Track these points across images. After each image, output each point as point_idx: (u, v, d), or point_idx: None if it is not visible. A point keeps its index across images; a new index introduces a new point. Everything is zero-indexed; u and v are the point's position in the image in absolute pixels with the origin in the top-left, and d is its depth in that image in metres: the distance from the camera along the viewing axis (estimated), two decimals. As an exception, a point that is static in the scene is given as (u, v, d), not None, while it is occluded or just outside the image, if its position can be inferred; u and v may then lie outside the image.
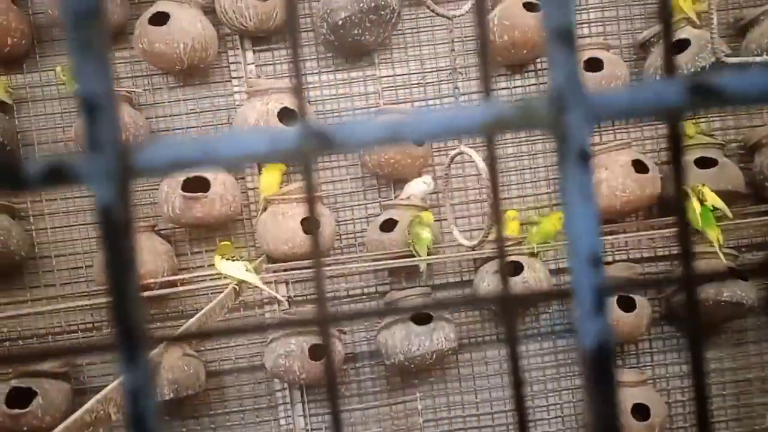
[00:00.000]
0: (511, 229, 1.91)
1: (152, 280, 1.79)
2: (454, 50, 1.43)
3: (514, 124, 0.14)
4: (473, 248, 1.62)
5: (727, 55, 1.78)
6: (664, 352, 2.03)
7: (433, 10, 1.30)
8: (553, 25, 0.13)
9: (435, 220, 1.92)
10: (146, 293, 1.75)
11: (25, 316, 1.83)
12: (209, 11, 1.92)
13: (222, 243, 1.65)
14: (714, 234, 1.69)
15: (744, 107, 1.99)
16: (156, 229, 1.92)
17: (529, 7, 1.86)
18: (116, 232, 0.13)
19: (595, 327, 0.15)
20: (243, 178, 1.99)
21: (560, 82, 0.14)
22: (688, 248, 0.17)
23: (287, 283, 1.99)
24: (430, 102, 2.02)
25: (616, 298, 1.84)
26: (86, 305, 1.83)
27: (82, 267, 1.94)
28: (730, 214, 1.68)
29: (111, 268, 0.13)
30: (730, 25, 2.00)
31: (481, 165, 1.31)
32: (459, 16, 1.42)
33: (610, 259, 2.02)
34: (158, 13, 1.85)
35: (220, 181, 1.85)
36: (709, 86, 0.14)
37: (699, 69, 1.82)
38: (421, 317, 1.87)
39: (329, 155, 2.01)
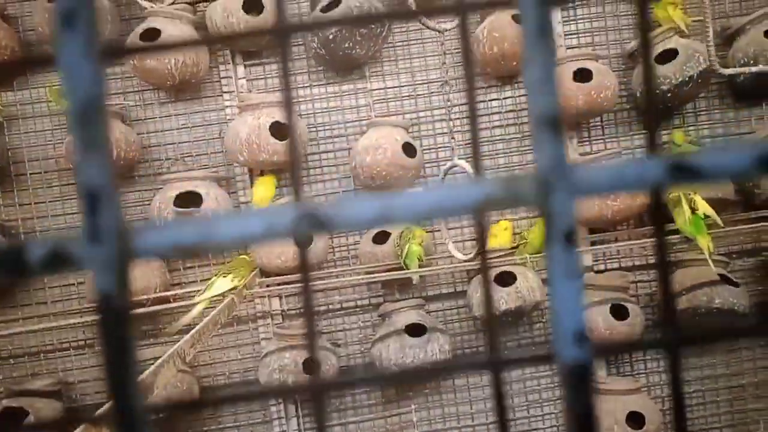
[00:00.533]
0: (504, 239, 1.92)
1: (144, 297, 1.78)
2: (445, 63, 1.44)
3: (503, 203, 0.14)
4: (467, 262, 1.62)
5: (714, 63, 1.80)
6: (657, 360, 2.04)
7: (424, 24, 1.31)
8: (539, 111, 0.14)
9: (428, 231, 1.92)
10: (139, 310, 1.74)
11: (16, 334, 1.82)
12: (200, 26, 1.93)
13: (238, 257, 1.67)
14: (704, 242, 1.70)
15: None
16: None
17: (518, 19, 1.87)
18: (115, 319, 0.13)
19: (580, 403, 0.15)
20: (235, 192, 1.99)
21: (546, 164, 0.14)
22: (671, 306, 0.18)
23: (280, 297, 1.99)
24: (422, 114, 2.03)
25: (609, 306, 1.86)
26: (78, 323, 1.81)
27: (74, 284, 1.93)
28: (720, 222, 1.69)
29: (109, 356, 0.13)
30: (717, 34, 2.02)
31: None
32: (450, 29, 1.43)
33: (602, 267, 2.03)
34: (149, 29, 1.86)
35: (212, 196, 1.85)
36: (689, 165, 0.14)
37: (687, 78, 1.84)
38: (416, 328, 1.87)
39: (320, 166, 2.02)
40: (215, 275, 1.67)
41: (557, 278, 0.14)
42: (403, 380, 0.19)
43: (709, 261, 1.72)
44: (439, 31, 1.37)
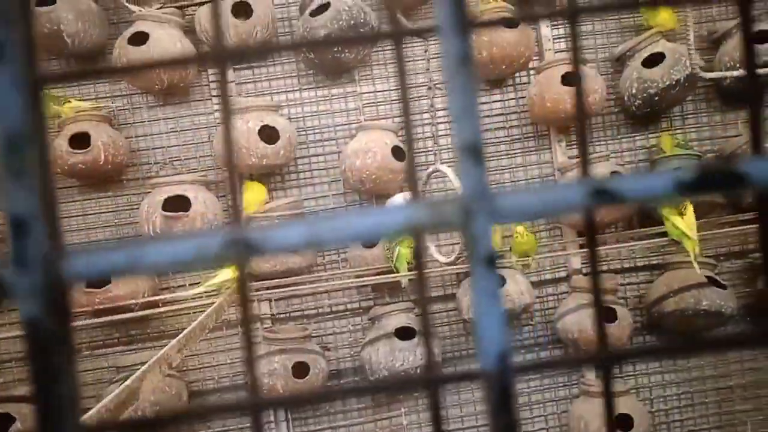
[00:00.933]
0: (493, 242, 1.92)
1: (133, 301, 1.78)
2: (429, 69, 1.44)
3: (428, 227, 0.15)
4: (449, 264, 1.62)
5: (701, 68, 1.81)
6: (646, 362, 2.05)
7: (411, 33, 1.31)
8: (463, 140, 0.14)
9: (417, 235, 1.93)
10: (127, 314, 1.73)
11: (3, 339, 1.81)
12: (189, 30, 1.92)
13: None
14: (691, 245, 1.71)
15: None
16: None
17: (507, 23, 1.88)
18: (44, 347, 0.13)
19: (503, 417, 0.15)
20: (224, 196, 1.98)
21: (469, 191, 0.14)
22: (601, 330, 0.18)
23: (270, 301, 1.98)
24: (411, 117, 2.03)
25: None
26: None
27: (62, 288, 1.92)
28: (694, 238, 1.71)
29: (36, 382, 0.13)
30: (704, 38, 2.04)
31: (457, 183, 1.32)
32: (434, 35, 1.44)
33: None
34: (138, 33, 1.85)
35: (201, 199, 1.85)
36: (610, 189, 0.14)
37: (674, 82, 1.85)
38: (405, 331, 1.87)
39: (311, 170, 2.02)
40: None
41: (479, 300, 0.15)
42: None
43: (695, 264, 1.73)
44: (423, 38, 1.38)
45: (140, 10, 1.88)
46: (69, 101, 1.90)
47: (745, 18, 0.17)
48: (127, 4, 1.87)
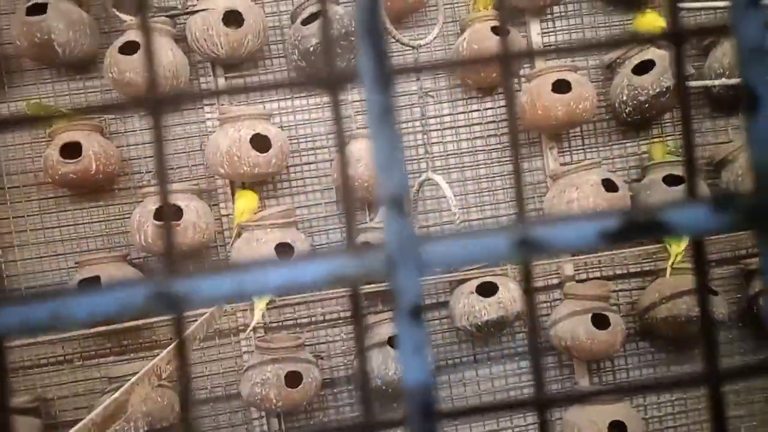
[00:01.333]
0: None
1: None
2: (419, 79, 1.45)
3: (353, 279, 0.15)
4: (442, 273, 1.62)
5: (689, 75, 1.82)
6: (639, 368, 2.05)
7: (398, 41, 1.32)
8: (387, 191, 0.14)
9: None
10: (119, 325, 1.73)
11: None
12: (180, 39, 1.92)
13: None
14: (675, 250, 1.73)
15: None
16: (128, 258, 1.90)
17: (498, 30, 1.89)
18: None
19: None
20: (216, 205, 1.98)
21: (393, 243, 0.14)
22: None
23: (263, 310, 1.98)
24: (403, 126, 2.03)
25: (590, 315, 1.86)
26: (56, 339, 1.80)
27: (53, 298, 1.91)
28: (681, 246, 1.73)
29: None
30: (693, 45, 2.05)
31: (449, 192, 1.32)
32: (424, 45, 1.44)
33: (583, 276, 2.04)
34: (129, 42, 1.85)
35: (193, 208, 1.84)
36: (534, 239, 0.14)
37: (663, 89, 1.86)
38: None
39: (304, 178, 2.02)
40: None
41: (405, 353, 0.14)
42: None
43: (668, 269, 1.75)
44: (413, 47, 1.38)
45: (131, 20, 1.88)
46: (60, 111, 1.90)
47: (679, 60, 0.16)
48: (118, 14, 1.87)
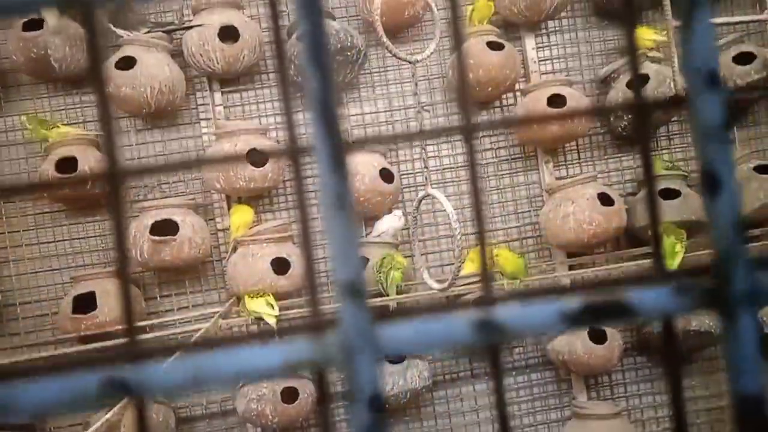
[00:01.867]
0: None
1: (119, 327, 1.76)
2: (416, 94, 1.45)
3: (309, 366, 0.14)
4: (442, 291, 1.62)
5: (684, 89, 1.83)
6: (637, 383, 2.04)
7: (395, 55, 1.32)
8: (342, 279, 0.14)
9: (406, 256, 1.92)
10: (114, 341, 1.72)
11: (-13, 367, 1.79)
12: (177, 54, 1.93)
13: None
14: (671, 263, 1.73)
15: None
16: (124, 273, 1.90)
17: (493, 46, 1.89)
18: None
19: None
20: (212, 219, 1.98)
21: (351, 329, 0.14)
22: None
23: (258, 325, 1.97)
24: (400, 138, 2.03)
25: (587, 330, 1.85)
26: (52, 355, 1.79)
27: (48, 314, 1.90)
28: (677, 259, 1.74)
29: None
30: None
31: (449, 207, 1.32)
32: (421, 60, 1.45)
33: (580, 291, 2.03)
34: (125, 57, 1.86)
35: (188, 223, 1.84)
36: (495, 324, 0.14)
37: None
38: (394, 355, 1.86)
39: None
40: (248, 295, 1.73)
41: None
42: None
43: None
44: (410, 62, 1.38)
45: (128, 35, 1.88)
46: (57, 126, 1.90)
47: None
48: (115, 29, 1.87)
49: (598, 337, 1.86)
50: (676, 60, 1.72)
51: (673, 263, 1.69)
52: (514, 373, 2.02)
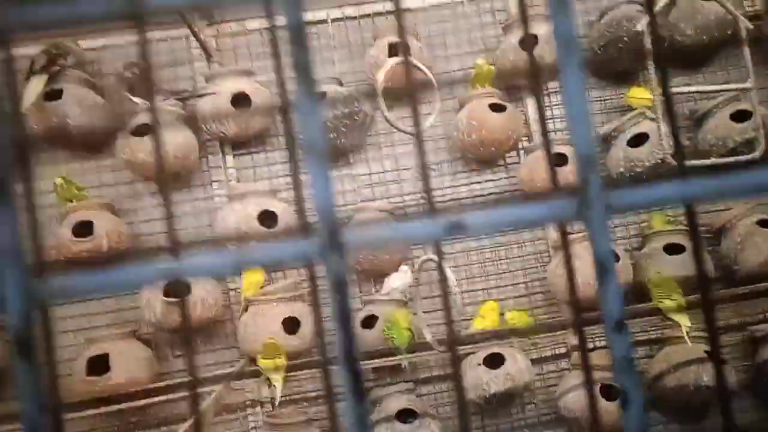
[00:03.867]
0: (492, 320, 1.93)
1: (133, 389, 1.77)
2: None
3: None
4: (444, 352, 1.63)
5: (681, 148, 1.87)
6: None
7: (396, 128, 1.37)
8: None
9: (415, 313, 1.94)
10: (127, 404, 1.73)
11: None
12: (190, 118, 2.00)
13: (267, 342, 1.74)
14: (683, 320, 1.74)
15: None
16: (137, 334, 1.92)
17: (495, 107, 1.96)
18: None
19: None
20: (224, 280, 2.01)
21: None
22: None
23: (270, 384, 1.97)
24: (407, 198, 2.08)
25: (599, 386, 1.85)
26: (65, 417, 1.79)
27: (60, 376, 1.91)
28: (687, 324, 1.76)
29: None
30: (687, 117, 2.11)
31: (449, 274, 1.35)
32: (422, 131, 1.50)
33: (590, 346, 2.03)
34: (141, 124, 1.93)
35: (201, 284, 1.87)
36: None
37: (659, 161, 1.91)
38: (406, 413, 1.85)
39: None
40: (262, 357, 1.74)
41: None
42: None
43: (687, 339, 1.75)
44: (411, 134, 1.44)
45: (144, 103, 1.96)
46: (78, 189, 1.95)
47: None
48: (132, 99, 1.95)
49: (610, 394, 1.85)
50: (662, 124, 1.77)
51: (685, 321, 1.71)
52: (526, 430, 2.01)
